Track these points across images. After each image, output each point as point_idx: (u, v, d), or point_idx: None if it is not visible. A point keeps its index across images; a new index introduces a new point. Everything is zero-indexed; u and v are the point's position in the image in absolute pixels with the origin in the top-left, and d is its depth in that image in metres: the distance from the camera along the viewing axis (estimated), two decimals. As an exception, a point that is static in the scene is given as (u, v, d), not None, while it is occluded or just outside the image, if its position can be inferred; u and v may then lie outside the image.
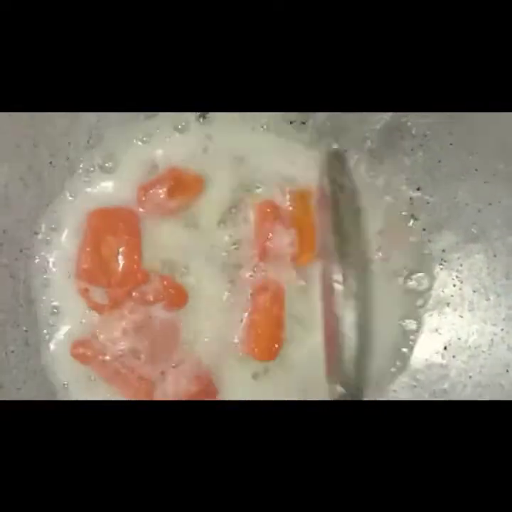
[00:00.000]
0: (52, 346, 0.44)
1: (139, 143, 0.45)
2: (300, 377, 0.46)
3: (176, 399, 0.44)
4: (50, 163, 0.44)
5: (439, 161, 0.45)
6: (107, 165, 0.45)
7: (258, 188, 0.46)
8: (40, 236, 0.44)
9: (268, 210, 0.45)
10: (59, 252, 0.44)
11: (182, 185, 0.45)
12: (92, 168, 0.45)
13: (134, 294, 0.44)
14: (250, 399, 0.44)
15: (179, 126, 0.45)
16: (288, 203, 0.46)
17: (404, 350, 0.47)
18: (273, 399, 0.45)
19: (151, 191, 0.44)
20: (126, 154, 0.45)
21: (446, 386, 0.45)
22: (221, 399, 0.45)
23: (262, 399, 0.45)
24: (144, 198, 0.44)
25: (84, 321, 0.44)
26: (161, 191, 0.44)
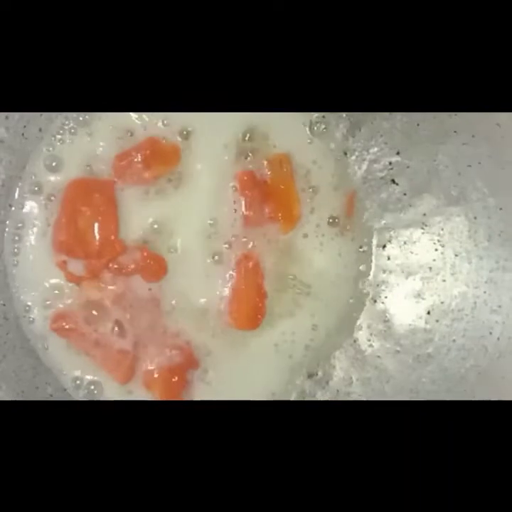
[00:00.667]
0: (30, 320, 0.43)
1: (115, 111, 0.44)
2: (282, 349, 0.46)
3: (158, 370, 0.44)
4: (23, 134, 0.43)
5: (418, 124, 0.45)
6: (81, 134, 0.44)
7: (242, 155, 0.45)
8: (14, 208, 0.43)
9: (245, 178, 0.45)
10: (35, 224, 0.43)
11: (159, 155, 0.44)
12: (66, 138, 0.44)
13: (112, 265, 0.43)
14: (231, 369, 0.45)
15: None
16: (267, 171, 0.46)
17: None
18: (255, 369, 0.45)
19: (127, 161, 0.44)
20: (101, 122, 0.44)
21: (430, 350, 0.45)
22: (202, 369, 0.45)
23: (243, 369, 0.45)
24: (120, 168, 0.44)
25: (63, 293, 0.43)
26: (137, 160, 0.44)
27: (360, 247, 0.48)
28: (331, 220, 0.47)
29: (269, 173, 0.46)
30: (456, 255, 0.45)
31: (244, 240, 0.45)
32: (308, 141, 0.47)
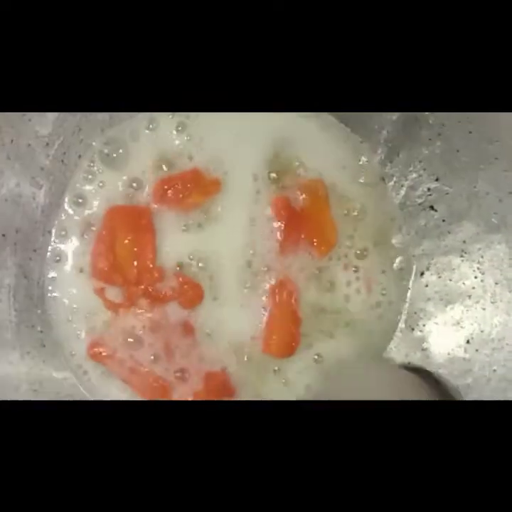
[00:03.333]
0: (68, 347, 0.44)
1: (153, 140, 0.45)
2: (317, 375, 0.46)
3: (193, 398, 0.44)
4: (62, 161, 0.43)
5: (458, 151, 0.44)
6: (120, 162, 0.44)
7: (276, 182, 0.45)
8: (53, 235, 0.44)
9: (280, 204, 0.45)
10: (73, 251, 0.44)
11: (200, 184, 0.44)
12: (105, 164, 0.44)
13: (149, 291, 0.43)
14: (267, 396, 0.44)
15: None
16: (302, 197, 0.46)
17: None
18: (291, 396, 0.45)
19: (166, 188, 0.44)
20: (140, 151, 0.44)
21: (469, 381, 0.44)
22: (238, 397, 0.44)
23: (279, 396, 0.45)
24: (160, 195, 0.44)
25: (100, 320, 0.44)
26: (177, 189, 0.44)
27: (398, 274, 0.47)
28: (364, 250, 0.47)
29: (304, 199, 0.46)
30: (496, 283, 0.44)
31: (280, 266, 0.45)
32: (344, 166, 0.47)
